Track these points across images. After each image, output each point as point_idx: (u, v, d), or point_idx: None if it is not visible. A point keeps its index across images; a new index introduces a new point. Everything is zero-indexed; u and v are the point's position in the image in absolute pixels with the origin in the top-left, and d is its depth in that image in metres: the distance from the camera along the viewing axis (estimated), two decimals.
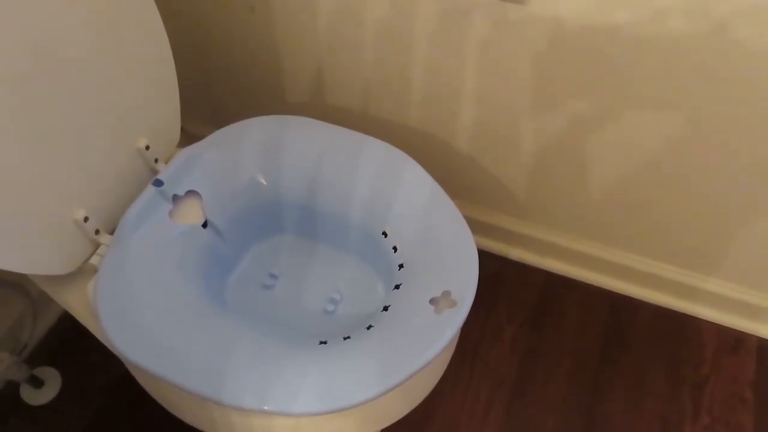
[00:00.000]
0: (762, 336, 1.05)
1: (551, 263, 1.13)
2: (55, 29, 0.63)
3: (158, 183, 0.76)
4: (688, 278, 1.03)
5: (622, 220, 0.99)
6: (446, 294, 0.66)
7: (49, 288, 0.76)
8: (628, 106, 0.82)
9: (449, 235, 0.72)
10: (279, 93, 1.06)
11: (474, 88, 0.89)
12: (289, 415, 0.61)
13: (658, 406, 0.99)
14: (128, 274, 0.70)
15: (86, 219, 0.71)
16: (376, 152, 0.80)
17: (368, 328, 0.68)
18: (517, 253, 1.15)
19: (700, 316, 1.07)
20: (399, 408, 0.73)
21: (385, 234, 0.76)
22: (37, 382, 0.99)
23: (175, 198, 0.77)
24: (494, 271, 1.14)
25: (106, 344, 0.71)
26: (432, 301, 0.66)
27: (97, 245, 0.74)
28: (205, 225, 0.78)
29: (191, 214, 0.78)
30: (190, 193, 0.79)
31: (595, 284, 1.12)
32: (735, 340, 1.05)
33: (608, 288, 1.11)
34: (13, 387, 1.00)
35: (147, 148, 0.77)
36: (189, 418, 0.77)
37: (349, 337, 0.67)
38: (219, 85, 1.11)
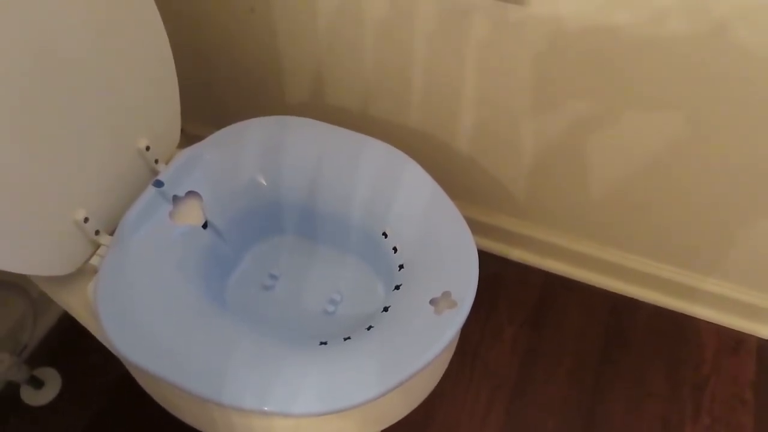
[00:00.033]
0: (762, 336, 1.05)
1: (551, 264, 1.13)
2: (55, 30, 0.63)
3: (158, 184, 0.76)
4: (689, 279, 1.03)
5: (622, 220, 0.99)
6: (446, 294, 0.66)
7: (49, 289, 0.76)
8: (628, 106, 0.82)
9: (449, 235, 0.72)
10: (279, 93, 1.06)
11: (474, 88, 0.89)
12: (290, 416, 0.61)
13: (659, 407, 0.99)
14: (128, 274, 0.70)
15: (86, 220, 0.71)
16: (376, 153, 0.80)
17: (368, 328, 0.68)
18: (517, 254, 1.15)
19: (700, 317, 1.07)
20: (399, 408, 0.73)
21: (385, 235, 0.76)
22: (37, 383, 0.99)
23: (176, 199, 0.77)
24: (494, 272, 1.14)
25: (106, 345, 0.72)
26: (432, 302, 0.66)
27: (98, 246, 0.74)
28: (205, 226, 0.78)
29: (191, 214, 0.78)
30: (191, 193, 0.79)
31: (595, 285, 1.12)
32: (735, 340, 1.05)
33: (608, 288, 1.11)
34: (13, 388, 0.99)
35: (147, 148, 0.77)
36: (189, 419, 0.77)
37: (349, 338, 0.67)
38: (219, 85, 1.11)
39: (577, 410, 0.99)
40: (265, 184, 0.81)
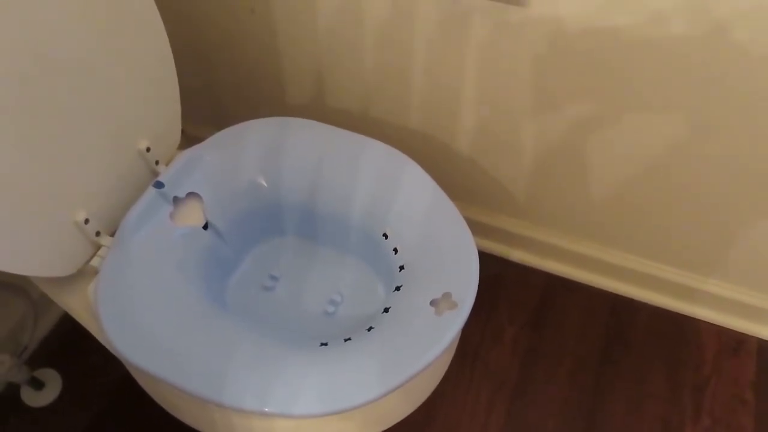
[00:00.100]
0: (762, 337, 1.05)
1: (552, 265, 1.13)
2: (55, 30, 0.63)
3: (159, 185, 0.76)
4: (689, 279, 1.03)
5: (623, 221, 0.99)
6: (447, 296, 0.66)
7: (49, 290, 0.76)
8: (627, 107, 0.82)
9: (450, 236, 0.72)
10: (279, 95, 1.06)
11: (474, 89, 0.89)
12: (290, 417, 0.61)
13: (659, 408, 0.99)
14: (129, 276, 0.70)
15: (87, 221, 0.71)
16: (377, 154, 0.80)
17: (369, 329, 0.68)
18: (517, 255, 1.15)
19: (700, 318, 1.07)
20: (400, 409, 0.73)
21: (385, 236, 0.76)
22: (37, 384, 0.99)
23: (176, 200, 0.77)
24: (495, 273, 1.14)
25: (106, 346, 0.72)
26: (433, 303, 0.66)
27: (98, 247, 0.74)
28: (205, 227, 0.78)
29: (192, 215, 0.78)
30: (191, 194, 0.79)
31: (595, 286, 1.12)
32: (735, 341, 1.05)
33: (609, 289, 1.11)
34: (13, 389, 0.99)
35: (148, 149, 0.77)
36: (189, 420, 0.77)
37: (349, 339, 0.67)
38: (219, 86, 1.11)
39: (578, 411, 0.99)
40: (266, 185, 0.81)
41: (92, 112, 0.70)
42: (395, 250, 0.75)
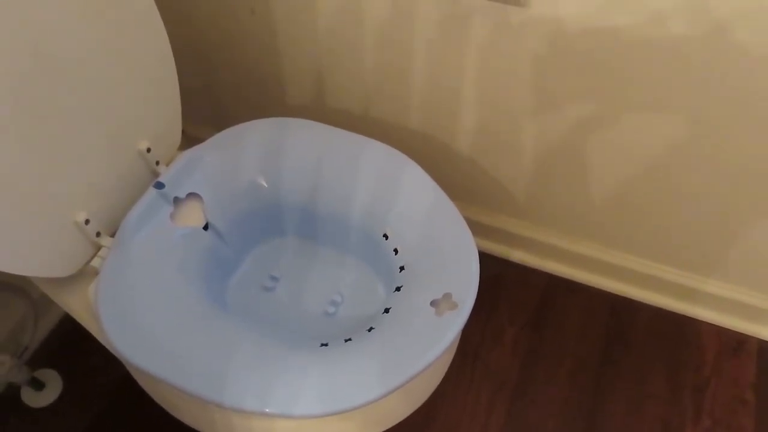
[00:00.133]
0: (763, 338, 1.05)
1: (552, 265, 1.13)
2: (55, 31, 0.63)
3: (159, 185, 0.76)
4: (689, 280, 1.03)
5: (623, 222, 0.99)
6: (447, 296, 0.66)
7: (50, 290, 0.76)
8: (628, 107, 0.82)
9: (450, 237, 0.72)
10: (279, 95, 1.06)
11: (474, 89, 0.89)
12: (290, 418, 0.61)
13: (659, 408, 0.99)
14: (129, 276, 0.70)
15: (87, 221, 0.71)
16: (377, 154, 0.80)
17: (369, 330, 0.68)
18: (518, 255, 1.15)
19: (700, 318, 1.07)
20: (400, 410, 0.73)
21: (386, 236, 0.76)
22: (38, 385, 0.99)
23: (176, 200, 0.77)
24: (495, 273, 1.14)
25: (107, 346, 0.72)
26: (433, 303, 0.66)
27: (98, 248, 0.74)
28: (206, 227, 0.78)
29: (192, 216, 0.78)
30: (191, 195, 0.79)
31: (596, 286, 1.12)
32: (736, 342, 1.05)
33: (609, 290, 1.11)
34: (14, 389, 0.99)
35: (148, 150, 0.78)
36: (190, 420, 0.77)
37: (350, 339, 0.67)
38: (219, 87, 1.12)
39: (578, 411, 0.99)
40: (266, 185, 0.81)
41: (92, 112, 0.70)
42: (395, 251, 0.75)
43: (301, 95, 1.04)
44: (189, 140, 0.88)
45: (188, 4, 0.98)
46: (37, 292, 0.99)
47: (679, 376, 1.02)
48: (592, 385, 1.01)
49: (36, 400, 1.00)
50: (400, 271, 0.73)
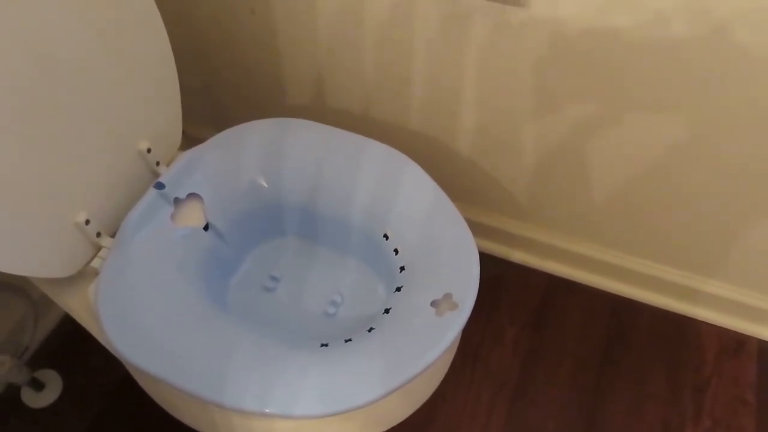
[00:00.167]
0: (763, 338, 1.05)
1: (552, 266, 1.13)
2: (55, 31, 0.63)
3: (160, 186, 0.76)
4: (689, 280, 1.03)
5: (624, 222, 0.99)
6: (447, 296, 0.66)
7: (50, 291, 0.76)
8: (628, 108, 0.82)
9: (450, 237, 0.72)
10: (279, 95, 1.06)
11: (474, 90, 0.89)
12: (291, 418, 0.61)
13: (660, 409, 0.98)
14: (129, 276, 0.70)
15: (87, 222, 0.71)
16: (377, 154, 0.80)
17: (369, 330, 0.68)
18: (518, 256, 1.15)
19: (701, 319, 1.07)
20: (401, 410, 0.73)
21: (386, 236, 0.76)
22: (38, 385, 0.99)
23: (177, 201, 0.77)
24: (495, 274, 1.14)
25: (107, 347, 0.72)
26: (433, 304, 0.66)
27: (99, 248, 0.74)
28: (206, 227, 0.78)
29: (193, 216, 0.78)
30: (192, 195, 0.79)
31: (596, 287, 1.11)
32: (736, 342, 1.05)
33: (609, 290, 1.11)
34: (14, 390, 0.99)
35: (148, 150, 0.77)
36: (190, 421, 0.77)
37: (350, 340, 0.67)
38: (220, 87, 1.12)
39: (578, 412, 0.99)
40: (266, 186, 0.81)
41: (92, 112, 0.70)
42: (396, 251, 0.75)
43: (301, 95, 1.04)
44: (189, 140, 0.88)
45: (188, 4, 0.98)
46: (37, 292, 0.99)
47: (679, 376, 1.02)
48: (592, 386, 1.01)
49: (36, 400, 1.00)
50: (401, 272, 0.73)
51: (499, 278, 1.13)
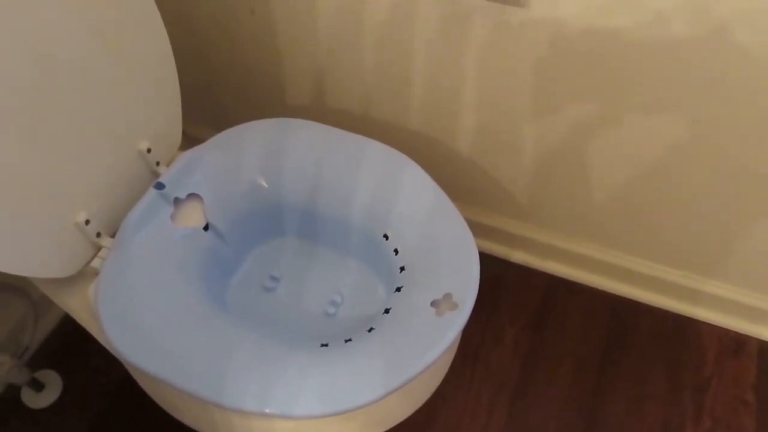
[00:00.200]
0: (764, 339, 1.05)
1: (553, 266, 1.13)
2: (55, 31, 0.63)
3: (160, 186, 0.76)
4: (690, 281, 1.03)
5: (624, 222, 0.99)
6: (447, 296, 0.66)
7: (50, 291, 0.76)
8: (628, 108, 0.82)
9: (451, 237, 0.72)
10: (280, 95, 1.06)
11: (475, 90, 0.89)
12: (290, 418, 0.61)
13: (660, 409, 0.98)
14: (129, 277, 0.70)
15: (87, 222, 0.71)
16: (377, 154, 0.80)
17: (369, 330, 0.68)
18: (518, 256, 1.15)
19: (701, 319, 1.07)
20: (401, 410, 0.73)
21: (386, 236, 0.76)
22: (38, 386, 0.99)
23: (177, 201, 0.77)
24: (496, 274, 1.14)
25: (107, 347, 0.72)
26: (433, 304, 0.66)
27: (99, 248, 0.74)
28: (206, 228, 0.78)
29: (193, 216, 0.78)
30: (192, 195, 0.79)
31: (596, 287, 1.11)
32: (736, 342, 1.05)
33: (610, 291, 1.11)
34: (14, 390, 0.99)
35: (148, 150, 0.77)
36: (190, 421, 0.77)
37: (350, 340, 0.67)
38: (220, 87, 1.12)
39: (578, 412, 0.98)
40: (266, 186, 0.81)
41: (92, 112, 0.70)
42: (396, 251, 0.75)
43: (301, 95, 1.04)
44: (189, 140, 0.88)
45: (188, 4, 0.98)
46: (37, 293, 0.99)
47: (679, 376, 1.02)
48: (592, 386, 1.01)
49: (36, 401, 1.00)
50: (401, 272, 0.73)
51: (499, 278, 1.13)
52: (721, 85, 0.74)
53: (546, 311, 1.10)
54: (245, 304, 0.80)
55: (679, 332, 1.06)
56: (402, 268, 0.74)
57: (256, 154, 0.82)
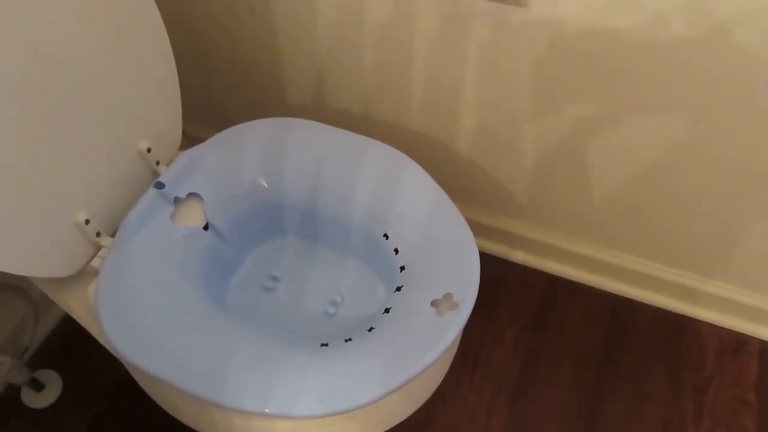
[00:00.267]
0: (764, 338, 1.05)
1: (553, 266, 1.13)
2: (55, 30, 0.63)
3: (160, 185, 0.76)
4: (690, 280, 1.03)
5: (624, 222, 0.99)
6: (447, 296, 0.66)
7: (50, 291, 0.76)
8: (628, 108, 0.82)
9: (451, 237, 0.72)
10: (280, 95, 1.06)
11: (475, 90, 0.89)
12: (291, 418, 0.61)
13: (660, 409, 0.98)
14: (129, 276, 0.70)
15: (87, 222, 0.71)
16: (377, 154, 0.80)
17: (369, 330, 0.68)
18: (518, 256, 1.15)
19: (701, 319, 1.07)
20: (401, 410, 0.73)
21: (386, 236, 0.76)
22: (38, 386, 0.99)
23: (177, 200, 0.77)
24: (496, 274, 1.14)
25: (107, 347, 0.71)
26: (433, 303, 0.66)
27: (99, 248, 0.74)
28: (206, 227, 0.78)
29: (193, 216, 0.78)
30: (192, 195, 0.79)
31: (596, 287, 1.11)
32: (737, 342, 1.05)
33: (610, 290, 1.11)
34: (14, 390, 0.99)
35: (148, 150, 0.77)
36: (190, 421, 0.77)
37: (350, 339, 0.67)
38: (220, 87, 1.12)
39: (579, 412, 0.98)
40: (266, 185, 0.81)
41: (92, 112, 0.70)
42: (396, 251, 0.75)
43: (301, 95, 1.04)
44: (189, 140, 0.88)
45: (188, 4, 0.98)
46: (37, 292, 0.99)
47: (679, 376, 1.02)
48: (592, 386, 1.01)
49: (36, 401, 1.00)
50: (401, 271, 0.73)
51: (499, 278, 1.13)
52: (721, 85, 0.74)
53: (546, 311, 1.10)
54: (245, 304, 0.80)
55: (679, 332, 1.06)
56: (402, 268, 0.74)
57: (256, 153, 0.82)
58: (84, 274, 0.73)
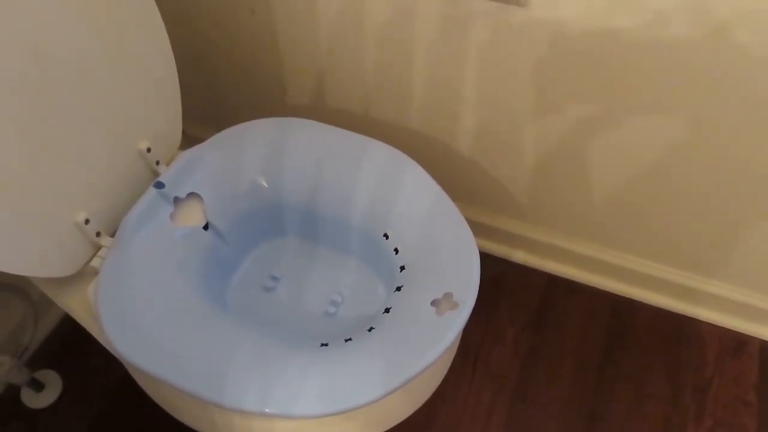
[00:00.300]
0: (765, 339, 1.05)
1: (553, 266, 1.13)
2: (55, 30, 0.63)
3: (159, 185, 0.76)
4: (690, 280, 1.03)
5: (623, 222, 0.99)
6: (448, 296, 0.66)
7: (50, 290, 0.76)
8: (628, 108, 0.82)
9: (451, 237, 0.72)
10: (280, 95, 1.06)
11: (475, 90, 0.89)
12: (291, 418, 0.61)
13: (661, 409, 0.98)
14: (129, 276, 0.70)
15: (87, 221, 0.71)
16: (378, 154, 0.80)
17: (369, 330, 0.68)
18: (518, 256, 1.15)
19: (702, 319, 1.07)
20: (401, 410, 0.73)
21: (386, 236, 0.76)
22: (37, 386, 0.99)
23: (177, 200, 0.77)
24: (496, 274, 1.14)
25: (106, 347, 0.71)
26: (433, 303, 0.66)
27: (98, 248, 0.74)
28: (206, 227, 0.78)
29: (192, 216, 0.78)
30: (192, 195, 0.79)
31: (597, 286, 1.11)
32: (737, 342, 1.05)
33: (610, 290, 1.11)
34: (13, 390, 0.99)
35: (148, 150, 0.77)
36: (190, 421, 0.77)
37: (350, 339, 0.67)
38: (220, 87, 1.11)
39: (579, 412, 0.98)
40: (266, 185, 0.81)
41: (92, 112, 0.70)
42: (396, 251, 0.75)
43: (301, 95, 1.04)
44: (189, 140, 0.88)
45: (188, 4, 0.98)
46: (37, 292, 0.99)
47: (680, 376, 1.02)
48: (593, 386, 1.01)
49: (36, 401, 1.00)
50: (401, 271, 0.73)
51: (499, 278, 1.13)
52: (721, 85, 0.74)
53: (546, 311, 1.10)
54: (245, 304, 0.80)
55: (679, 332, 1.06)
56: (402, 268, 0.73)
57: (256, 153, 0.82)
58: (84, 274, 0.73)
